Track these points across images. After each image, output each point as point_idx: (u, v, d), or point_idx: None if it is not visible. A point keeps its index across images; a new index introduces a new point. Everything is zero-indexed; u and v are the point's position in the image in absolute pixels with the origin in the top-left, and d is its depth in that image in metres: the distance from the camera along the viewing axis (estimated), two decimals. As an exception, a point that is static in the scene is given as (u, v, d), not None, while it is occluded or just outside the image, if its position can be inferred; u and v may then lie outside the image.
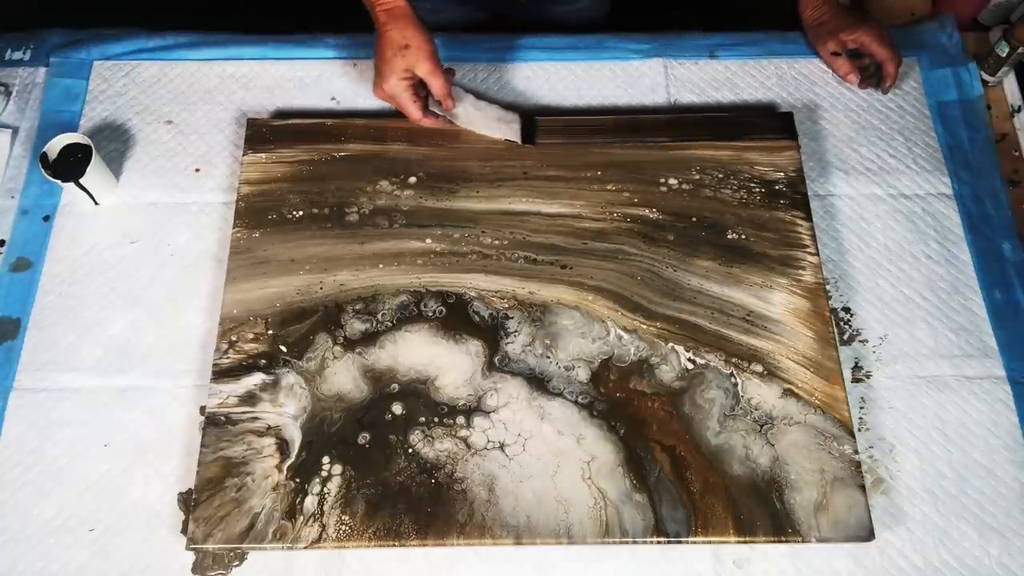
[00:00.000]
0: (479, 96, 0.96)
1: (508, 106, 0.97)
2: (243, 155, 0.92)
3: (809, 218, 0.88)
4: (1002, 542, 0.76)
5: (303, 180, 0.91)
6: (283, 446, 0.76)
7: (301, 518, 0.73)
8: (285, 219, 0.88)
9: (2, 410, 0.81)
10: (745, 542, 0.73)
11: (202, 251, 0.90)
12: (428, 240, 0.87)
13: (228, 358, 0.80)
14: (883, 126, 0.98)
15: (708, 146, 0.93)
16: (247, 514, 0.73)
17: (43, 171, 0.88)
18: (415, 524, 0.73)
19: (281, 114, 0.99)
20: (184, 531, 0.76)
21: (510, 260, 0.86)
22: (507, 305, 0.84)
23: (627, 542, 0.73)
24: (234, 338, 0.81)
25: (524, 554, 0.76)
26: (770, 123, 0.95)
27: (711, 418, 0.78)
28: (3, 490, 0.78)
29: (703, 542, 0.73)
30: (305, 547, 0.72)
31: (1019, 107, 1.00)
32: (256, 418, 0.78)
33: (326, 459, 0.76)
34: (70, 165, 0.88)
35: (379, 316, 0.83)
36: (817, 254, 0.86)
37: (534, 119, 0.95)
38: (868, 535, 0.73)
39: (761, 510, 0.74)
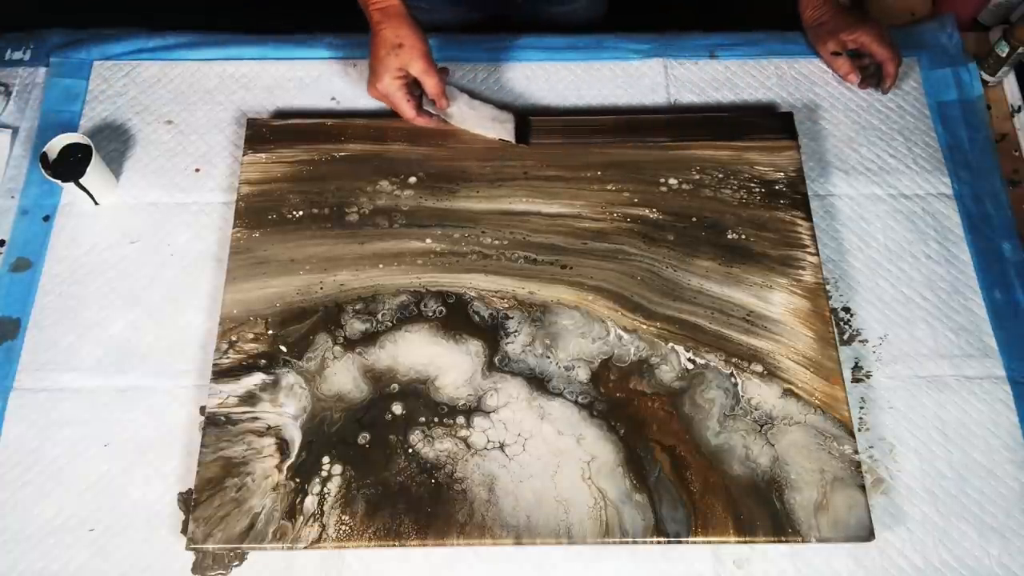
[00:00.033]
0: (473, 95, 0.96)
1: (503, 106, 0.97)
2: (243, 155, 0.92)
3: (809, 218, 0.88)
4: (1002, 542, 0.76)
5: (303, 180, 0.91)
6: (283, 446, 0.76)
7: (301, 518, 0.73)
8: (285, 219, 0.88)
9: (2, 410, 0.81)
10: (745, 542, 0.73)
11: (202, 251, 0.90)
12: (428, 240, 0.87)
13: (228, 358, 0.81)
14: (883, 126, 0.98)
15: (708, 146, 0.93)
16: (247, 514, 0.73)
17: (43, 171, 0.88)
18: (415, 524, 0.73)
19: (281, 114, 0.99)
20: (184, 531, 0.76)
21: (510, 260, 0.86)
22: (507, 305, 0.84)
23: (627, 542, 0.73)
24: (234, 338, 0.81)
25: (524, 554, 0.76)
26: (770, 123, 0.95)
27: (711, 418, 0.78)
28: (3, 490, 0.78)
29: (703, 542, 0.73)
30: (305, 547, 0.72)
31: (1019, 107, 1.00)
32: (256, 418, 0.78)
33: (326, 459, 0.76)
34: (70, 165, 0.88)
35: (379, 316, 0.83)
36: (817, 254, 0.86)
37: (528, 119, 0.95)
38: (868, 535, 0.73)
39: (761, 510, 0.74)
